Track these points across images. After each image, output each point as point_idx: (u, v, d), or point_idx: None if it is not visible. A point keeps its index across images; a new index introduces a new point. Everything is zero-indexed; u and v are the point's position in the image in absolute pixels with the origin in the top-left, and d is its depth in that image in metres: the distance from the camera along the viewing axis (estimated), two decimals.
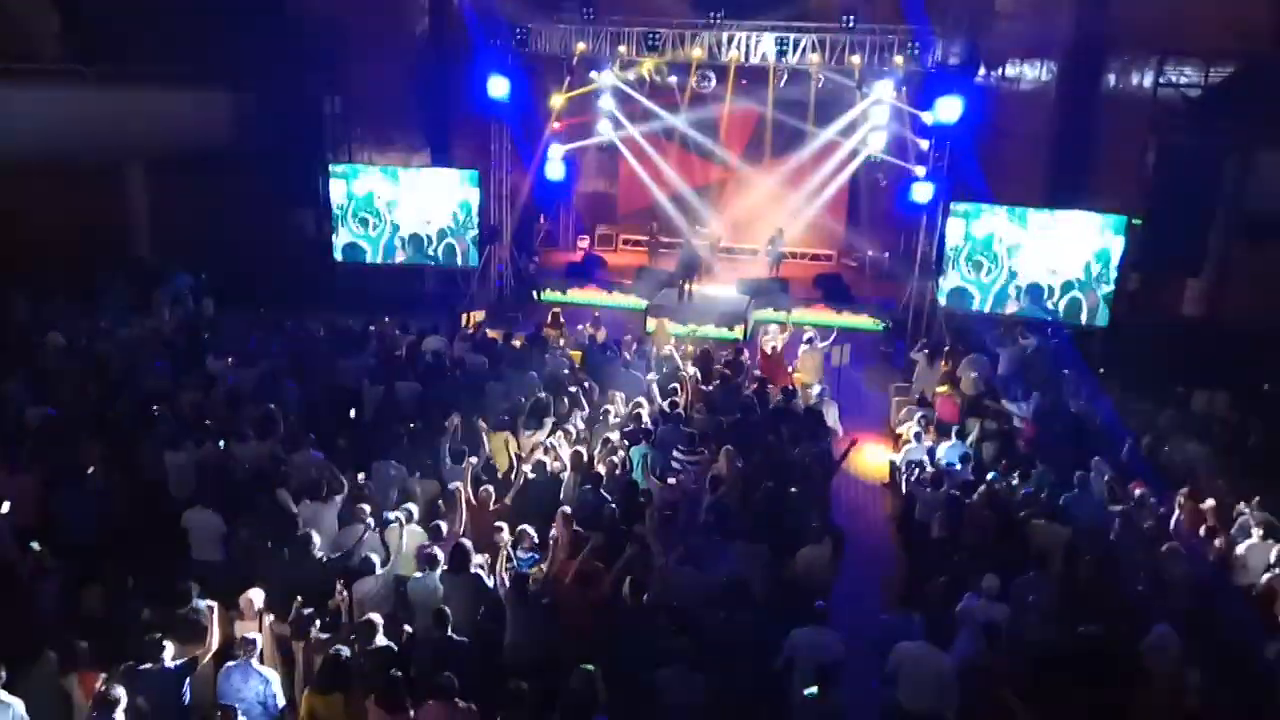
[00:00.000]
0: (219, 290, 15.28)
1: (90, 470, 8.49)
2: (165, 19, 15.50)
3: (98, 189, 16.30)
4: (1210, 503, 8.72)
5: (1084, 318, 14.91)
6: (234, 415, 9.82)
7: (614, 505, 8.24)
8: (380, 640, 6.32)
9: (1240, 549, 8.21)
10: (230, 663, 6.12)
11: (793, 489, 8.82)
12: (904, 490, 10.48)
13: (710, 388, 11.80)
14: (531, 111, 17.59)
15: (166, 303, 14.83)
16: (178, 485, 8.70)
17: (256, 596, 6.62)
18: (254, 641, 6.13)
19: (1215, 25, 14.45)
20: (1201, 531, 8.49)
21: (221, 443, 9.15)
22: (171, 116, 16.31)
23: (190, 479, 8.70)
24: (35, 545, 7.32)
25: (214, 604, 6.52)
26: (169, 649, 5.98)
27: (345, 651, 6.02)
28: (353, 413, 10.79)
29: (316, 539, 7.40)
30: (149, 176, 16.95)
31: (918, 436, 10.98)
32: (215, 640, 6.33)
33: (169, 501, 8.51)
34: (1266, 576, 7.77)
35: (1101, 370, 12.74)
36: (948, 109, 14.83)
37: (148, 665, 5.91)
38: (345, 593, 6.92)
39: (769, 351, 13.28)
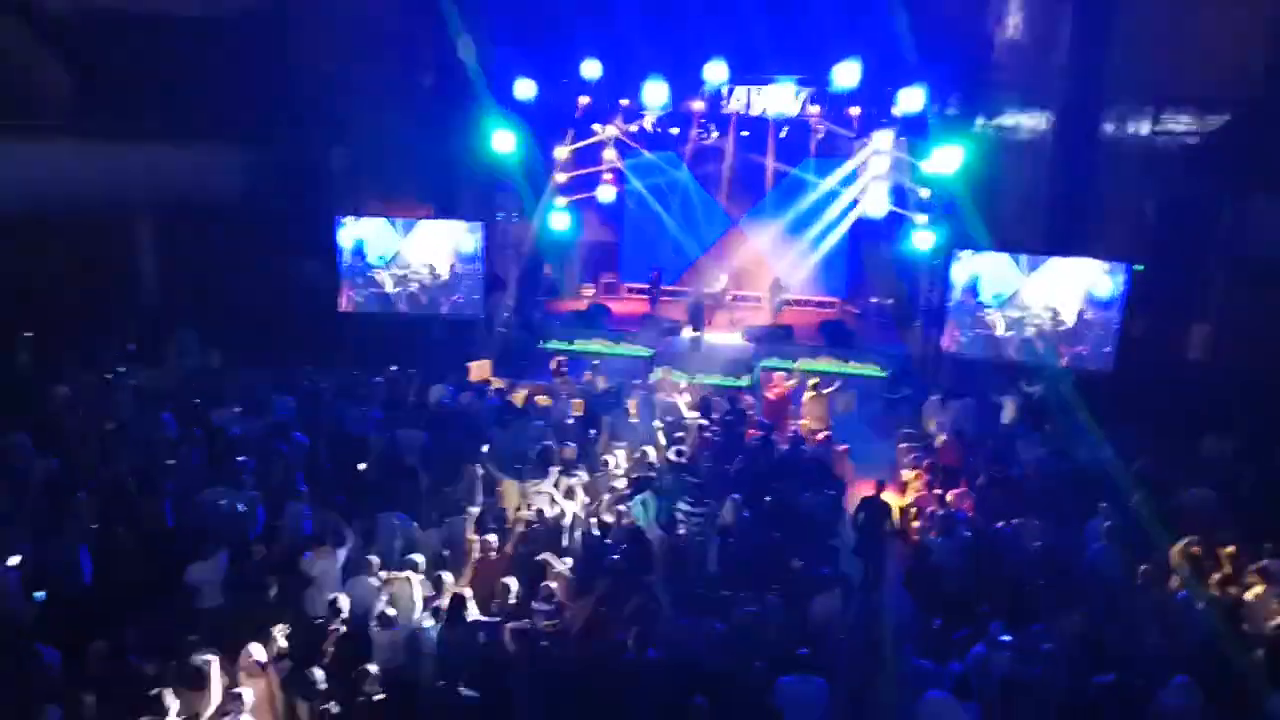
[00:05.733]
0: (226, 342, 15.36)
1: (89, 524, 8.42)
2: (172, 75, 15.79)
3: (106, 243, 16.45)
4: (1222, 550, 8.64)
5: (1089, 364, 14.88)
6: (238, 467, 9.80)
7: (618, 555, 8.19)
8: (376, 690, 6.22)
9: (1249, 596, 8.11)
10: None
11: (801, 537, 8.76)
12: (914, 537, 10.39)
13: (713, 434, 11.78)
14: (536, 163, 17.83)
15: (173, 355, 14.90)
16: (182, 538, 8.62)
17: (258, 652, 6.54)
18: (240, 696, 6.03)
19: (1210, 72, 14.64)
20: (1214, 579, 8.40)
21: (224, 501, 9.07)
22: (180, 171, 16.47)
23: (195, 532, 8.65)
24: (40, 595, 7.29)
25: (214, 658, 6.46)
26: (173, 705, 5.91)
27: (335, 710, 5.89)
28: (361, 465, 10.76)
29: (321, 592, 7.36)
30: (157, 230, 17.13)
31: (928, 484, 10.93)
32: (218, 694, 6.25)
33: (171, 554, 8.42)
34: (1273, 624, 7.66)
35: (1107, 416, 12.70)
36: (947, 158, 14.99)
37: None
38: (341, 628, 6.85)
39: (772, 397, 13.27)
